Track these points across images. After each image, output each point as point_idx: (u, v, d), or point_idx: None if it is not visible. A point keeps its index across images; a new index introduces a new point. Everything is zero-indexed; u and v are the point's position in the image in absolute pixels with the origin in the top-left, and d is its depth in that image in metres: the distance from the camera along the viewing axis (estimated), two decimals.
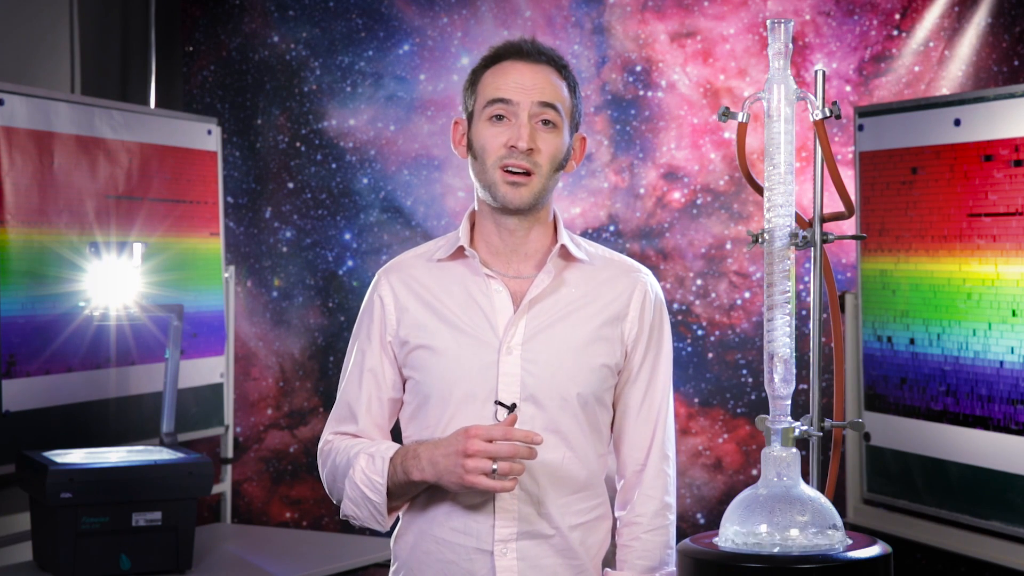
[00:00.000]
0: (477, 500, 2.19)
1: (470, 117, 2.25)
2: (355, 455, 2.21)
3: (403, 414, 2.31)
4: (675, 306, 4.61)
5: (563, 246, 2.25)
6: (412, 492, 2.20)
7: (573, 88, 2.25)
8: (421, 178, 4.72)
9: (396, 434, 2.33)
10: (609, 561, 2.30)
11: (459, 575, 2.20)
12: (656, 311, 2.29)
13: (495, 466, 2.04)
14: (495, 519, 2.18)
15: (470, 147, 2.24)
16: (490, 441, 2.04)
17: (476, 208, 2.29)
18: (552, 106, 2.20)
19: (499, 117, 2.19)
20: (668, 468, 2.30)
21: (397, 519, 2.30)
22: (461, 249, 2.25)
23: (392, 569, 2.31)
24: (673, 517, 2.30)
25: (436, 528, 2.22)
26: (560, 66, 2.24)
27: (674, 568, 2.25)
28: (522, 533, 2.19)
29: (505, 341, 2.20)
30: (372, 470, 2.17)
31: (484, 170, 2.20)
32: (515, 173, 2.18)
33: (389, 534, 2.33)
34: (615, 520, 2.30)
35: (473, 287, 2.24)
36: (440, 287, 2.25)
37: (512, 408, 2.17)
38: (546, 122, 2.20)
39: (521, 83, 2.19)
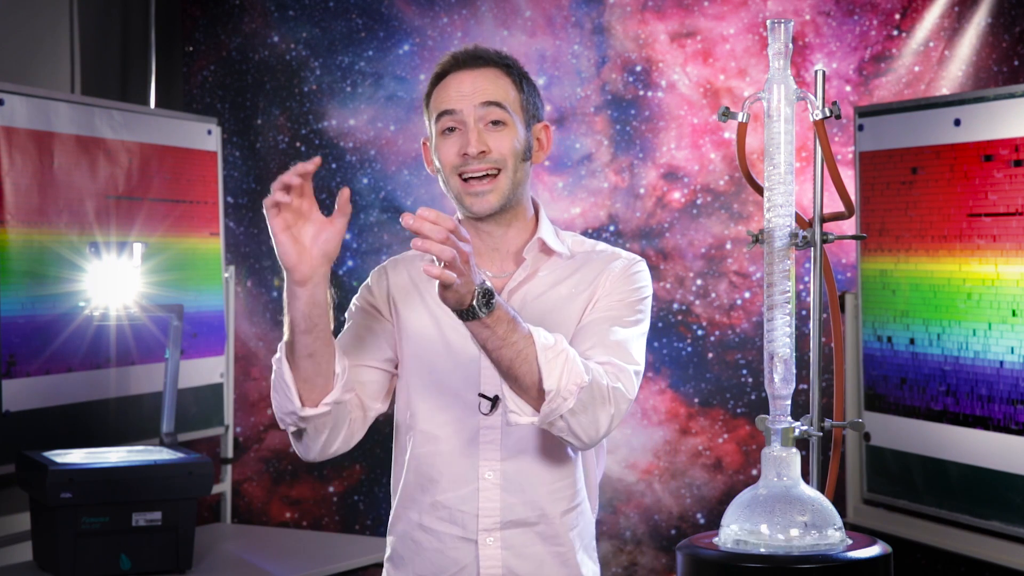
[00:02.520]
0: (463, 490, 2.22)
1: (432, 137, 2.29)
2: None
3: (396, 403, 2.33)
4: (675, 306, 4.61)
5: (540, 239, 2.27)
6: (295, 310, 2.13)
7: (521, 82, 2.27)
8: (421, 178, 4.72)
9: (389, 424, 2.33)
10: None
11: (446, 564, 2.24)
12: (622, 273, 2.23)
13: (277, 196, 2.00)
14: (479, 508, 2.22)
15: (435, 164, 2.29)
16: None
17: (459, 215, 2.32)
18: (496, 104, 2.22)
19: (450, 129, 2.23)
20: (614, 375, 2.13)
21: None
22: None
23: (386, 557, 2.35)
24: (593, 377, 2.07)
25: (424, 518, 2.25)
26: (502, 64, 2.26)
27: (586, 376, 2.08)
28: (506, 522, 2.22)
29: None
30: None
31: (448, 182, 2.25)
32: (478, 179, 2.20)
33: (382, 531, 2.33)
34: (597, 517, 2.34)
35: None
36: (431, 284, 2.27)
37: (495, 400, 2.19)
38: (495, 122, 2.22)
39: (461, 91, 2.23)
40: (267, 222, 2.03)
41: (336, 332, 2.24)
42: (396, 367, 2.31)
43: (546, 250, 2.29)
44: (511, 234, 2.28)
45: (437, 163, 2.27)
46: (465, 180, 2.22)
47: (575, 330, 2.21)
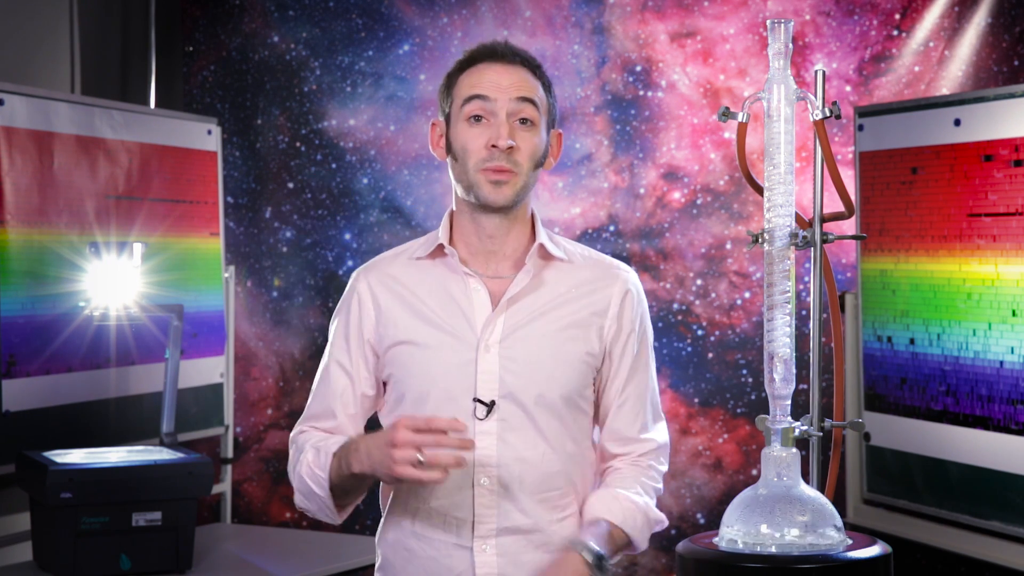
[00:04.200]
0: (457, 497, 2.20)
1: (448, 119, 2.26)
2: (306, 448, 2.23)
3: (382, 410, 2.32)
4: (675, 306, 4.61)
5: (541, 245, 2.27)
6: (358, 486, 2.20)
7: (548, 86, 2.27)
8: (421, 178, 4.72)
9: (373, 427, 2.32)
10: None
11: (440, 571, 2.23)
12: (637, 307, 2.31)
13: (421, 457, 2.03)
14: (474, 515, 2.20)
15: (449, 149, 2.25)
16: (418, 432, 2.04)
17: (455, 208, 2.30)
18: (530, 101, 2.21)
19: (477, 118, 2.20)
20: (658, 460, 2.34)
21: (366, 512, 2.31)
22: (441, 247, 2.26)
23: (377, 565, 2.33)
24: (658, 474, 2.34)
25: (417, 525, 2.24)
26: (534, 66, 2.26)
27: (656, 512, 2.30)
28: (501, 529, 2.21)
29: (483, 339, 2.21)
30: (316, 464, 2.19)
31: (466, 172, 2.21)
32: (496, 171, 2.19)
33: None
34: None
35: (452, 285, 2.25)
36: (419, 285, 2.26)
37: (491, 406, 2.18)
38: (524, 120, 2.21)
39: (498, 82, 2.21)
40: (399, 468, 2.05)
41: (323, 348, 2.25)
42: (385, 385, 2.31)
43: (545, 255, 2.28)
44: (511, 237, 2.27)
45: (456, 149, 2.23)
46: (486, 171, 2.19)
47: (622, 390, 2.30)
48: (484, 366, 2.19)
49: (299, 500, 2.25)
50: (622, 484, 2.27)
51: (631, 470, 2.29)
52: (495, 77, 2.21)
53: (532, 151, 2.21)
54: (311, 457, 2.20)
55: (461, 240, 2.27)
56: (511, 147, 2.18)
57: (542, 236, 2.28)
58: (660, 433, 2.34)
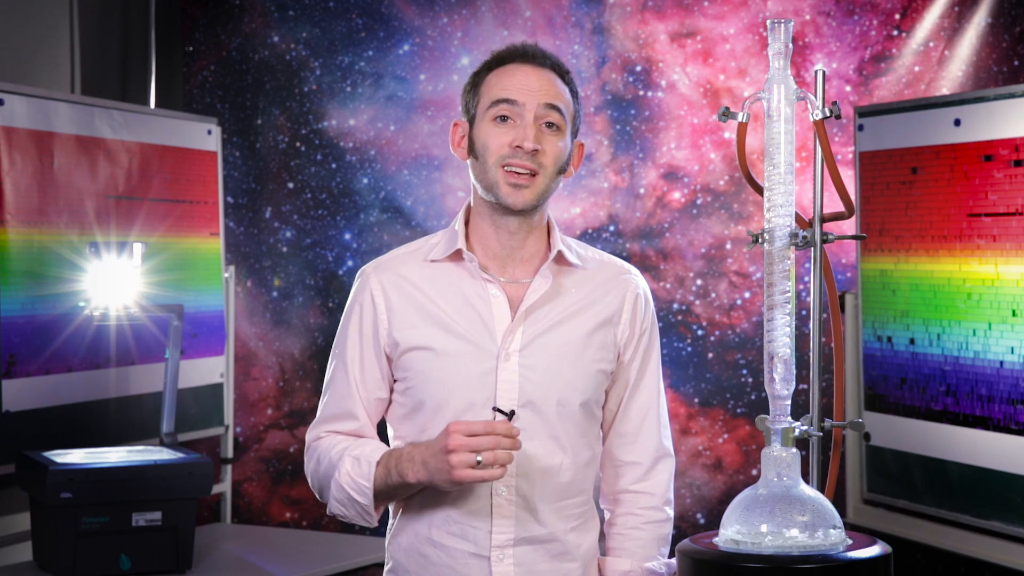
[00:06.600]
0: (475, 505, 2.19)
1: (471, 119, 2.24)
2: (340, 458, 2.21)
3: (393, 415, 2.30)
4: (675, 306, 4.61)
5: (559, 252, 2.26)
6: (406, 493, 2.21)
7: (575, 94, 2.27)
8: (421, 178, 4.72)
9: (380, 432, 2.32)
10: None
11: None
12: (646, 312, 2.32)
13: (479, 458, 2.03)
14: (492, 525, 2.19)
15: (471, 148, 2.24)
16: (472, 436, 2.05)
17: (473, 209, 2.28)
18: (557, 108, 2.20)
19: (503, 118, 2.19)
20: (666, 464, 2.34)
21: (386, 512, 2.31)
22: (458, 251, 2.24)
23: (387, 568, 2.32)
24: (671, 512, 2.33)
25: (433, 532, 2.22)
26: (563, 72, 2.25)
27: (668, 559, 2.30)
28: (519, 539, 2.20)
29: (503, 348, 2.20)
30: (358, 473, 2.18)
31: (486, 170, 2.19)
32: (519, 173, 2.17)
33: (381, 532, 2.33)
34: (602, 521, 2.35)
35: (470, 291, 2.23)
36: (435, 290, 2.23)
37: (511, 415, 2.17)
38: (550, 124, 2.20)
39: (527, 85, 2.19)
40: (459, 472, 2.06)
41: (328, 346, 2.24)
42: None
43: (561, 261, 2.27)
44: (530, 240, 2.25)
45: (478, 148, 2.21)
46: (507, 171, 2.18)
47: (636, 399, 2.31)
48: (504, 375, 2.18)
49: (334, 507, 2.25)
50: (644, 551, 2.29)
51: (649, 529, 2.30)
52: (524, 79, 2.20)
53: (557, 156, 2.20)
54: (350, 466, 2.19)
55: (478, 243, 2.25)
56: (535, 150, 2.17)
57: (559, 243, 2.26)
58: (668, 461, 2.35)
